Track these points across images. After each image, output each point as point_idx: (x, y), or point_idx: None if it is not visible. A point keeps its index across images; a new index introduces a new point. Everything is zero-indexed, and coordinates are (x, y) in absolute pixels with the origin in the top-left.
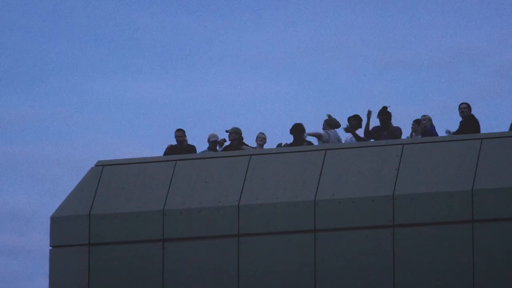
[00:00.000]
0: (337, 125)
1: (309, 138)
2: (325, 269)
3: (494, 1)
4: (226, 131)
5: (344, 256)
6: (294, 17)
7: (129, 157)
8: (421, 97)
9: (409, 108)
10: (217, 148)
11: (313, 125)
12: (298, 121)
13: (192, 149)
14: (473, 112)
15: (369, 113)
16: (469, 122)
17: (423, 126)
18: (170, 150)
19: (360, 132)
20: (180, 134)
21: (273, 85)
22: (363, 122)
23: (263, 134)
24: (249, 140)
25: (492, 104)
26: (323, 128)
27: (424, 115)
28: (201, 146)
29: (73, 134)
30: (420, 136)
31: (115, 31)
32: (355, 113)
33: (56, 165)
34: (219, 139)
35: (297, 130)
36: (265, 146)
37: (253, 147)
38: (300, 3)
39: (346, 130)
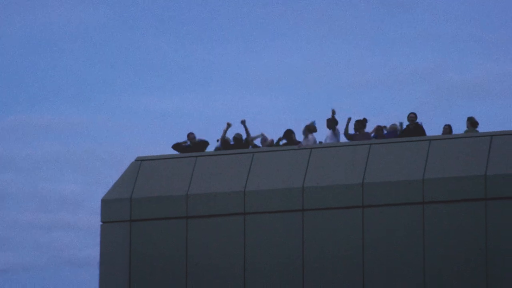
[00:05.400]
0: (315, 130)
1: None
2: (311, 238)
3: (433, 32)
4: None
5: (325, 228)
6: (285, 47)
7: (160, 154)
8: (378, 110)
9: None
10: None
11: (299, 131)
12: (288, 128)
13: (203, 143)
14: (418, 121)
15: (333, 112)
16: (417, 129)
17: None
18: (177, 147)
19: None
20: (192, 136)
21: (268, 100)
22: (340, 125)
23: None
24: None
25: (433, 115)
26: (303, 133)
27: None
28: (212, 145)
29: (114, 136)
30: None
31: (146, 59)
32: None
33: (100, 160)
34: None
35: (289, 134)
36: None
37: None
38: (289, 37)
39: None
